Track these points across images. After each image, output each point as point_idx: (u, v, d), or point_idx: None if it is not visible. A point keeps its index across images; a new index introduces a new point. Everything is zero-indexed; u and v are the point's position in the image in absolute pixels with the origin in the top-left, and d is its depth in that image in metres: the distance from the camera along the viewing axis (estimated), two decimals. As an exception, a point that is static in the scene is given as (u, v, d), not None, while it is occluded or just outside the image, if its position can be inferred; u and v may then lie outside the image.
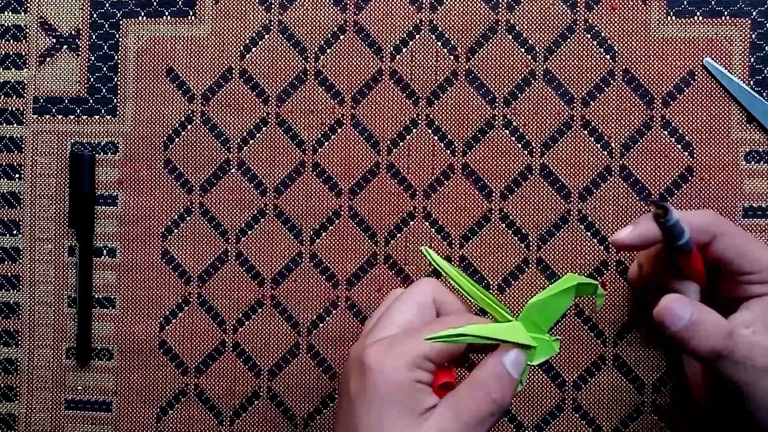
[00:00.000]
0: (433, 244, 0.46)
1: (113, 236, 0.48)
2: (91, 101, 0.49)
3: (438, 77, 0.47)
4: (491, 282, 0.46)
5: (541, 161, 0.46)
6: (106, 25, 0.49)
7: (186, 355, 0.48)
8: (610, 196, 0.45)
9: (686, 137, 0.45)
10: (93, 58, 0.49)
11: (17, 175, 0.49)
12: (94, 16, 0.49)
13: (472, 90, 0.46)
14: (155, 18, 0.48)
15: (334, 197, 0.47)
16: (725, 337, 0.32)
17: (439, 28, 0.46)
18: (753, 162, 0.45)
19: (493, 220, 0.46)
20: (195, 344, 0.48)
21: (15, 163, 0.49)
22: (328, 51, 0.47)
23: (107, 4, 0.49)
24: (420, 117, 0.47)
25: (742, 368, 0.32)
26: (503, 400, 0.33)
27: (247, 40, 0.48)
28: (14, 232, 0.49)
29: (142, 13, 0.48)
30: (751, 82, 0.45)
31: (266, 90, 0.48)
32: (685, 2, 0.45)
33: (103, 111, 0.49)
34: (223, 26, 0.48)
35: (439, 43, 0.46)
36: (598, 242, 0.45)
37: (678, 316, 0.32)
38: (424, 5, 0.47)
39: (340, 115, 0.47)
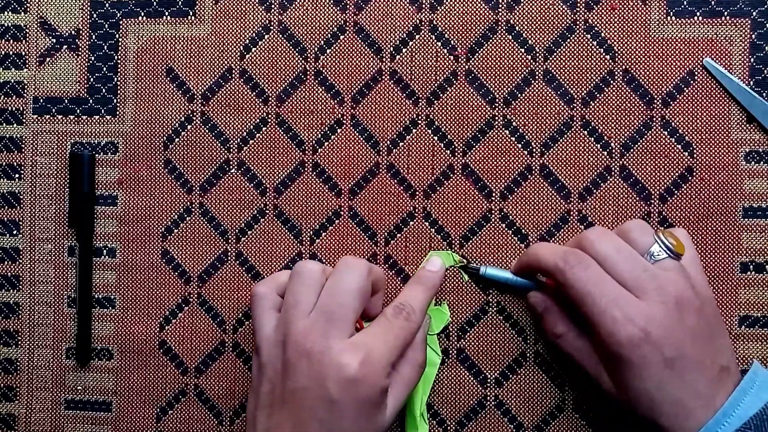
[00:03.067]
0: (433, 244, 0.46)
1: (113, 236, 0.48)
2: (91, 101, 0.49)
3: (438, 77, 0.47)
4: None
5: (541, 161, 0.46)
6: (106, 25, 0.49)
7: (186, 355, 0.48)
8: (610, 196, 0.45)
9: (686, 137, 0.45)
10: (93, 58, 0.49)
11: (17, 175, 0.49)
12: (94, 16, 0.49)
13: (472, 90, 0.46)
14: (155, 18, 0.48)
15: (334, 197, 0.47)
16: (556, 335, 0.43)
17: (439, 28, 0.46)
18: (753, 162, 0.45)
19: (493, 220, 0.46)
20: (195, 344, 0.48)
21: (15, 163, 0.49)
22: (328, 51, 0.47)
23: (107, 4, 0.49)
24: (420, 117, 0.47)
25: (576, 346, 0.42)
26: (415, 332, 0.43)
27: (247, 40, 0.48)
28: (14, 232, 0.49)
29: (142, 13, 0.48)
30: (751, 82, 0.45)
31: (266, 90, 0.48)
32: (685, 2, 0.45)
33: (103, 111, 0.49)
34: (223, 26, 0.48)
35: (439, 43, 0.46)
36: (598, 242, 0.45)
37: (535, 306, 0.44)
38: (424, 5, 0.47)
39: (340, 115, 0.47)
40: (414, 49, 0.47)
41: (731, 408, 0.37)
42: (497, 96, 0.46)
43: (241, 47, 0.48)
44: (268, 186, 0.48)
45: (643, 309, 0.38)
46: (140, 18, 0.48)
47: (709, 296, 0.41)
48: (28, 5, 0.49)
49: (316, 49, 0.47)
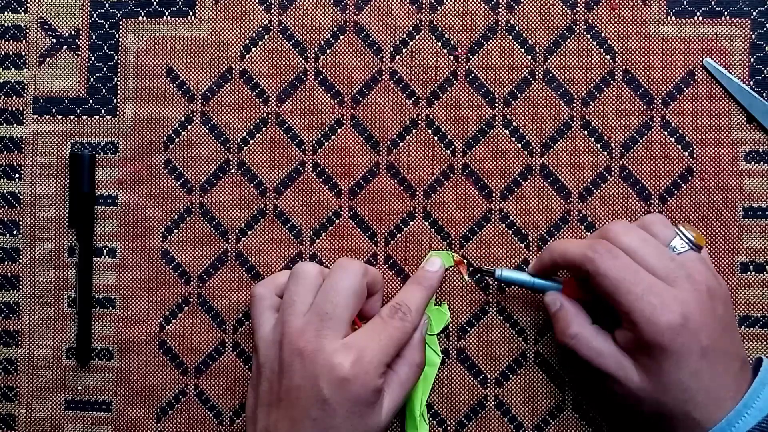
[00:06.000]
0: (433, 244, 0.46)
1: (113, 236, 0.48)
2: (91, 101, 0.49)
3: (438, 77, 0.47)
4: (491, 282, 0.46)
5: (541, 161, 0.46)
6: (106, 25, 0.49)
7: (186, 355, 0.48)
8: (610, 196, 0.45)
9: (686, 137, 0.45)
10: (93, 58, 0.49)
11: (17, 175, 0.49)
12: (94, 16, 0.49)
13: (472, 90, 0.46)
14: (155, 18, 0.48)
15: (334, 197, 0.47)
16: (569, 336, 0.40)
17: (439, 28, 0.46)
18: (753, 162, 0.45)
19: (493, 220, 0.46)
20: (195, 344, 0.48)
21: (15, 163, 0.49)
22: (328, 51, 0.47)
23: (107, 4, 0.49)
24: (420, 117, 0.47)
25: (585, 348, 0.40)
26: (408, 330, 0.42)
27: (247, 40, 0.48)
28: (14, 232, 0.49)
29: (142, 13, 0.48)
30: (751, 82, 0.45)
31: (266, 90, 0.48)
32: (685, 2, 0.45)
33: (103, 111, 0.49)
34: (223, 26, 0.48)
35: (439, 43, 0.46)
36: (598, 242, 0.45)
37: (550, 305, 0.42)
38: (424, 5, 0.47)
39: (340, 115, 0.47)
40: (414, 49, 0.47)
41: (751, 399, 0.37)
42: (497, 96, 0.46)
43: (241, 47, 0.48)
44: (268, 186, 0.48)
45: (678, 297, 0.38)
46: (140, 18, 0.48)
47: (726, 288, 0.41)
48: (28, 5, 0.49)
49: (316, 49, 0.47)
